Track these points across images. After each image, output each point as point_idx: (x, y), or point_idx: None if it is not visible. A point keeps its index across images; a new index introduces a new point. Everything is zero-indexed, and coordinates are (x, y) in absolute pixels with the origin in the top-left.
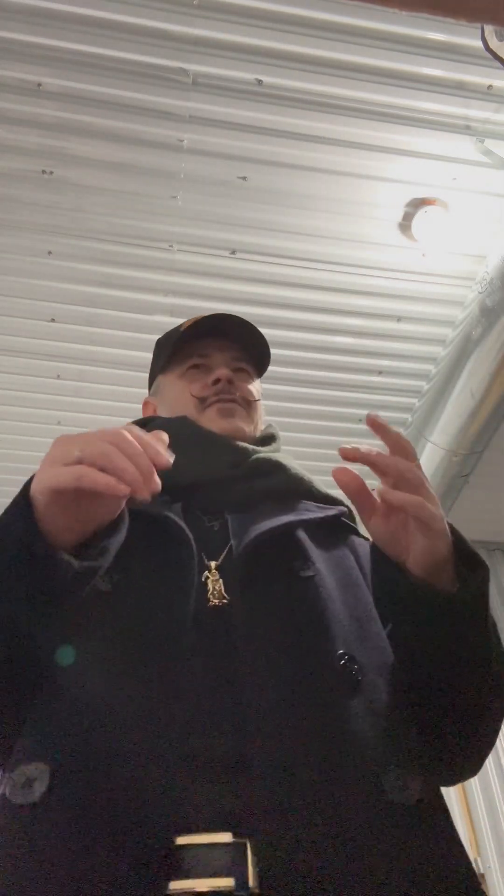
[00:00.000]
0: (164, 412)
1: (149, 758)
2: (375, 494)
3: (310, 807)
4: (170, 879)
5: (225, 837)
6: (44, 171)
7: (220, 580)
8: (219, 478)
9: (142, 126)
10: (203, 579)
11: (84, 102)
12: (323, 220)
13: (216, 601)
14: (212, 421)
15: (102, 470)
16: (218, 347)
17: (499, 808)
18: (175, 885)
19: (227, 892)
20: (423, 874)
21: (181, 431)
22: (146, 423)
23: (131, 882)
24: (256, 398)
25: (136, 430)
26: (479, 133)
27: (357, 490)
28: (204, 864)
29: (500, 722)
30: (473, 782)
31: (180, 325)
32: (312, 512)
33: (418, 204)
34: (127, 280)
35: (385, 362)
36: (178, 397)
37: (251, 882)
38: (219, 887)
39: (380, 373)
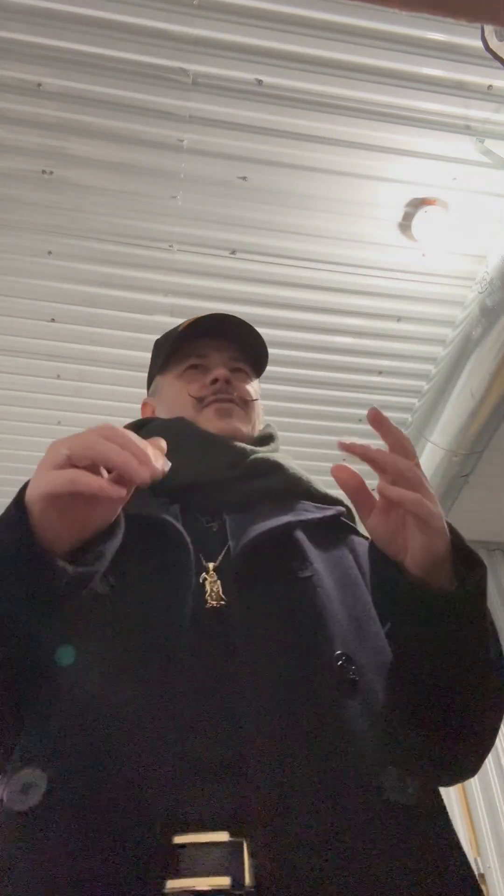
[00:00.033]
0: (162, 413)
1: (147, 758)
2: (374, 493)
3: (307, 806)
4: (167, 878)
5: (222, 836)
6: (44, 171)
7: (218, 581)
8: (217, 478)
9: (142, 126)
10: (201, 581)
11: (84, 102)
12: (323, 220)
13: (214, 602)
14: (209, 421)
15: (93, 462)
16: (216, 347)
17: (499, 808)
18: (172, 884)
19: (223, 891)
20: (420, 874)
21: (179, 432)
22: (143, 425)
23: (129, 881)
24: (254, 398)
25: (131, 434)
26: (479, 133)
27: (356, 488)
28: (200, 863)
29: (500, 721)
30: (473, 782)
31: (178, 326)
32: (311, 512)
33: (418, 204)
34: (127, 280)
35: (385, 362)
36: (176, 397)
37: (247, 881)
38: (215, 886)
39: (380, 373)
